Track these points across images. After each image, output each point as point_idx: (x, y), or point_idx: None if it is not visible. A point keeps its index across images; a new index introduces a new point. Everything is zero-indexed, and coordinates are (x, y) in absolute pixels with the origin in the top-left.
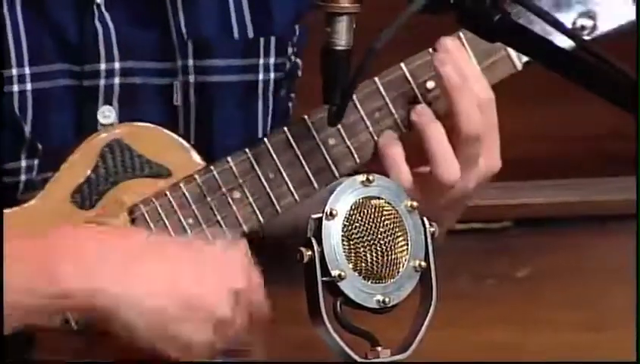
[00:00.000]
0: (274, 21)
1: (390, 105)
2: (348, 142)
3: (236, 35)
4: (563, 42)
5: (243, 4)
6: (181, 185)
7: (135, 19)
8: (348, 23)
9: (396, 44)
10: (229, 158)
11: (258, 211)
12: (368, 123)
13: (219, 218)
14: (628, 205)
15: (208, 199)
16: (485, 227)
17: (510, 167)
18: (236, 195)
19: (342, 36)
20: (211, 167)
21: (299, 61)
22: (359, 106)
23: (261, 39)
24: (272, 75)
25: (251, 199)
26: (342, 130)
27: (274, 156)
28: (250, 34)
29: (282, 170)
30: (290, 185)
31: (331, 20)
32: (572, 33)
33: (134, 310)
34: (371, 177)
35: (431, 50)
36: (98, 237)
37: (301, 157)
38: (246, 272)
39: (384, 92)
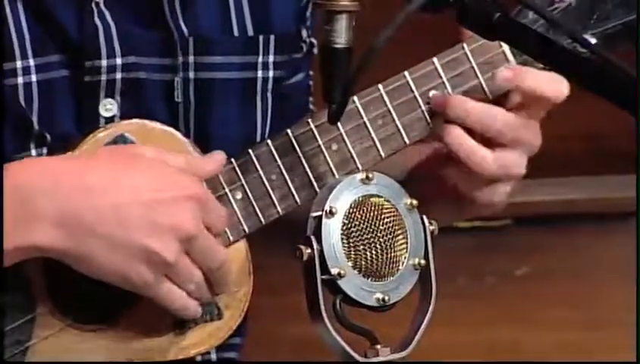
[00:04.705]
0: (273, 19)
1: (393, 112)
2: (350, 147)
3: (236, 32)
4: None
5: (243, 2)
6: None
7: (135, 16)
8: (348, 21)
9: (396, 43)
10: (232, 159)
11: (259, 212)
12: (370, 129)
13: None
14: (628, 203)
15: None
16: (485, 224)
17: None
18: (238, 195)
19: (341, 34)
20: None
21: (314, 40)
22: (362, 112)
23: (261, 37)
24: (271, 73)
25: (252, 200)
26: (345, 136)
27: (277, 158)
28: (250, 32)
29: (284, 172)
30: (292, 187)
31: (331, 19)
32: (573, 33)
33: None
34: (370, 175)
35: (435, 59)
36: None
37: (303, 160)
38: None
39: (387, 100)
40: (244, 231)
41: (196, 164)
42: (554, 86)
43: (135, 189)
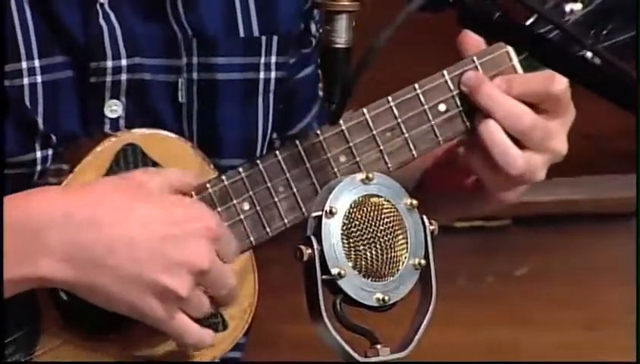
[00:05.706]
0: (279, 19)
1: (402, 126)
2: (358, 160)
3: (241, 33)
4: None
5: (250, 1)
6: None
7: (140, 17)
8: (348, 21)
9: (396, 43)
10: (240, 169)
11: (266, 224)
12: (379, 141)
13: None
14: (628, 203)
15: (219, 209)
16: (484, 225)
17: None
18: (246, 206)
19: (341, 34)
20: (223, 178)
21: None
22: (371, 124)
23: (263, 38)
24: (273, 74)
25: (260, 211)
26: (353, 148)
27: (285, 170)
28: (255, 32)
29: (292, 184)
30: (299, 199)
31: (331, 19)
32: (573, 33)
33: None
34: (370, 175)
35: (445, 72)
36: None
37: (311, 171)
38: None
39: (396, 113)
40: (250, 243)
41: (186, 176)
42: (547, 80)
43: (146, 223)
